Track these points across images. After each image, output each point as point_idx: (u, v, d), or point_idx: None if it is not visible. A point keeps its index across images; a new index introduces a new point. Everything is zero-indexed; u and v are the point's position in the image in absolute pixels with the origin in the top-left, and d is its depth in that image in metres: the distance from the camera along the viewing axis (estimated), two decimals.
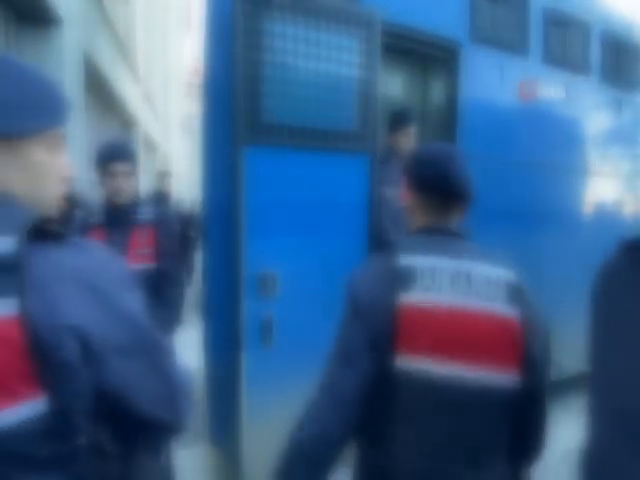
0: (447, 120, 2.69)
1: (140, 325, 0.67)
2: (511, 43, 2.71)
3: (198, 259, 4.11)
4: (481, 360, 0.84)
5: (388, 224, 2.43)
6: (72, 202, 2.44)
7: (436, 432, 0.84)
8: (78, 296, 0.59)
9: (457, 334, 0.84)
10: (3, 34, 3.76)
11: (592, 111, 3.31)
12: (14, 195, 0.64)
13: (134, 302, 0.67)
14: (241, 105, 1.89)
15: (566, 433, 1.87)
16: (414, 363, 0.83)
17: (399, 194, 2.53)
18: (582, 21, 3.06)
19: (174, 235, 2.14)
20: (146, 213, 2.00)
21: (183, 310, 2.26)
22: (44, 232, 0.61)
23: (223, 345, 2.05)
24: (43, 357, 0.55)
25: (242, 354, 1.99)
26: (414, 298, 0.85)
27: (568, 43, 2.98)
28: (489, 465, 0.87)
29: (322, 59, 2.05)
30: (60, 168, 0.71)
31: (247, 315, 1.98)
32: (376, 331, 0.85)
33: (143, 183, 8.36)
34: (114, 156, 1.90)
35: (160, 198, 3.79)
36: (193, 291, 4.47)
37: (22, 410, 0.55)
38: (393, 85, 3.20)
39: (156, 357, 0.69)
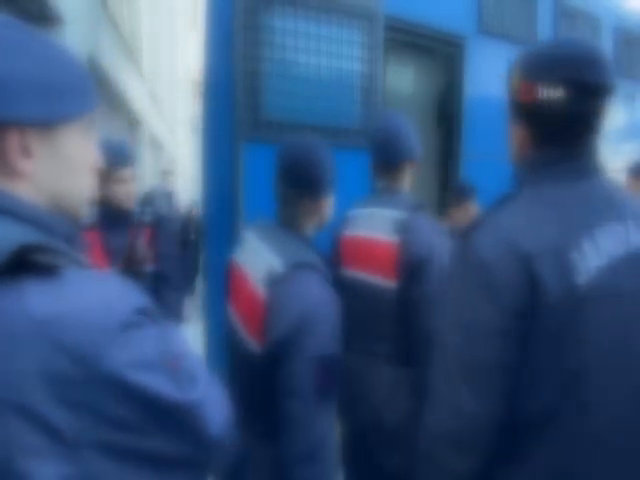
0: (452, 115, 2.63)
1: (133, 403, 0.47)
2: (519, 36, 2.64)
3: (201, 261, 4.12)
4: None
5: None
6: None
7: None
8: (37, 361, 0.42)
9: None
10: None
11: None
12: (22, 202, 0.51)
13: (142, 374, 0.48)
14: (241, 101, 1.85)
15: None
16: None
17: None
18: (593, 14, 2.97)
19: (173, 236, 2.10)
20: (144, 214, 1.95)
21: (182, 313, 2.23)
22: (30, 263, 0.46)
23: (224, 346, 2.01)
24: None
25: None
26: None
27: (578, 36, 2.90)
28: None
29: (323, 54, 2.00)
30: (92, 157, 0.61)
31: None
32: None
33: (148, 183, 8.38)
34: (119, 162, 1.78)
35: (163, 197, 3.76)
36: (195, 292, 4.45)
37: None
38: (396, 80, 3.14)
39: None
